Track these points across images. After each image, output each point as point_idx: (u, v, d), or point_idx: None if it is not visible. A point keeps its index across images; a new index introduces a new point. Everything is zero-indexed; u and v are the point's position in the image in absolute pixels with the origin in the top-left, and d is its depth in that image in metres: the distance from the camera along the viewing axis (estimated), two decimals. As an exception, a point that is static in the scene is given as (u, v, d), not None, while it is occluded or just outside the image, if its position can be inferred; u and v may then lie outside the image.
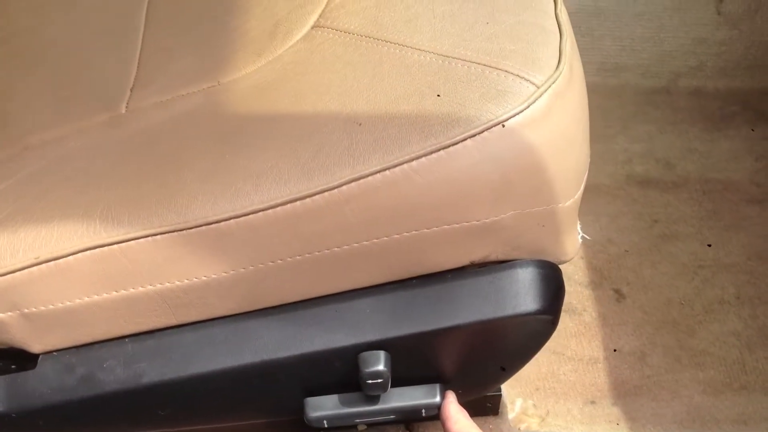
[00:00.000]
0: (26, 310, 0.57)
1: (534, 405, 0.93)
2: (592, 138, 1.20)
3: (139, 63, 0.68)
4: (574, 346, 0.98)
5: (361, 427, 0.86)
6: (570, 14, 1.25)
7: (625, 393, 0.93)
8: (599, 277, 1.04)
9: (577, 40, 1.26)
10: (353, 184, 0.53)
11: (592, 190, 1.13)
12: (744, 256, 1.06)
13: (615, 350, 0.97)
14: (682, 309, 1.01)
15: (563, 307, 0.99)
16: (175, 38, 0.69)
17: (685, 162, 1.17)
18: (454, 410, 0.63)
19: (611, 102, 1.27)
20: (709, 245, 1.07)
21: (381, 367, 0.59)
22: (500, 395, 0.86)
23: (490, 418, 0.90)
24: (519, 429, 0.90)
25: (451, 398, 0.64)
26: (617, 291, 1.03)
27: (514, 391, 0.93)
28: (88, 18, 0.73)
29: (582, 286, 1.03)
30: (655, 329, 0.99)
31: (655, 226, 1.09)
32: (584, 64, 1.26)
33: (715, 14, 1.25)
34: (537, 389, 0.93)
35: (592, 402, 0.93)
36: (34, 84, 0.69)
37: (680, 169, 1.16)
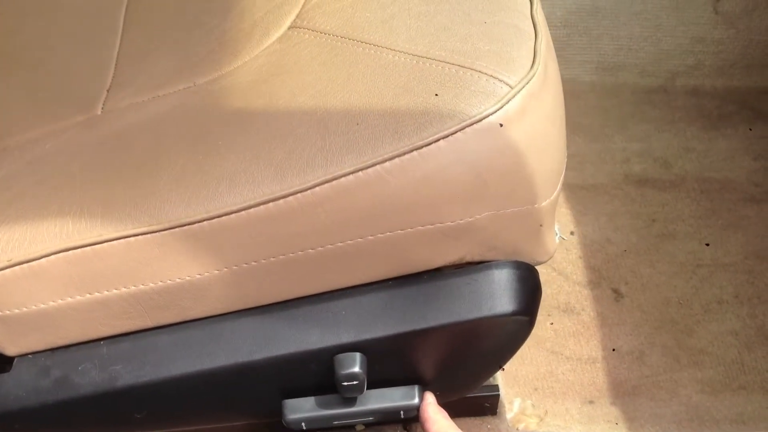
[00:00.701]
0: (0, 313, 0.57)
1: (532, 405, 0.92)
2: (589, 137, 1.20)
3: (116, 64, 0.68)
4: (573, 346, 0.97)
5: (359, 427, 0.86)
6: (568, 13, 1.25)
7: (623, 393, 0.93)
8: (597, 277, 1.04)
9: (574, 40, 1.27)
10: (326, 185, 0.53)
11: (589, 190, 1.13)
12: (742, 255, 1.05)
13: (613, 350, 0.97)
14: (680, 308, 1.00)
15: (561, 307, 0.99)
16: (153, 39, 0.69)
17: (682, 161, 1.17)
18: (432, 411, 0.63)
19: (609, 101, 1.26)
20: (707, 244, 1.06)
21: (356, 369, 0.58)
22: (498, 395, 0.86)
23: (488, 418, 0.90)
24: (517, 429, 0.90)
25: (430, 399, 0.64)
26: (615, 290, 1.03)
27: (512, 391, 0.93)
28: (67, 20, 0.73)
29: (580, 285, 1.03)
30: (653, 329, 0.98)
31: (653, 226, 1.09)
32: (582, 63, 1.27)
33: (713, 13, 1.25)
34: (535, 389, 0.93)
35: (591, 402, 0.92)
36: (11, 85, 0.69)
37: (678, 168, 1.16)
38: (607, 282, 1.03)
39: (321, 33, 0.62)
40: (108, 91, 0.66)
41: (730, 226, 1.08)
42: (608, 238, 1.08)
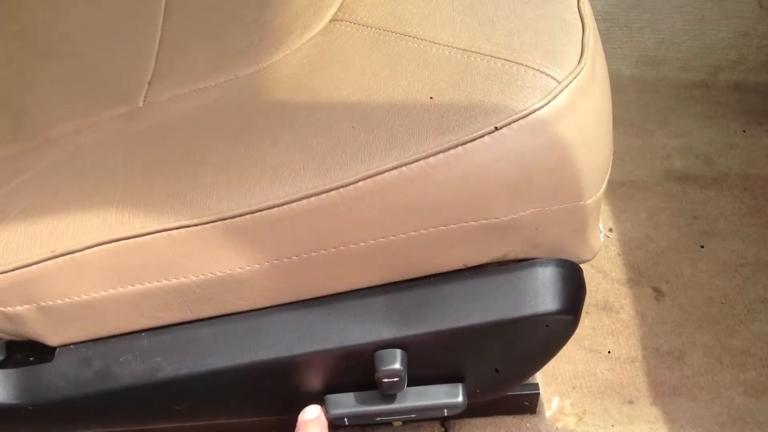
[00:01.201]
0: (43, 303, 0.57)
1: (571, 404, 0.91)
2: (630, 132, 1.18)
3: (157, 56, 0.68)
4: (612, 345, 0.96)
5: (396, 424, 0.85)
6: (609, 6, 1.23)
7: (663, 393, 0.91)
8: (637, 275, 1.02)
9: (615, 33, 1.25)
10: (369, 180, 0.53)
11: (629, 186, 1.11)
12: None
13: (654, 349, 0.95)
14: (722, 308, 0.99)
15: (599, 305, 0.98)
16: (193, 31, 0.69)
17: (725, 157, 1.14)
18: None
19: (649, 96, 1.24)
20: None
21: (397, 365, 0.58)
22: (538, 394, 0.85)
23: (527, 417, 0.90)
24: (556, 428, 0.89)
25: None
26: (656, 289, 1.01)
27: (550, 389, 0.92)
28: (106, 11, 0.74)
29: (619, 283, 1.02)
30: (694, 328, 0.97)
31: (694, 223, 1.07)
32: (622, 57, 1.25)
33: (757, 6, 1.22)
34: (574, 388, 0.92)
35: (630, 402, 0.91)
36: (51, 77, 0.69)
37: (720, 164, 1.14)
38: (647, 280, 1.02)
39: (363, 26, 0.62)
40: (149, 83, 0.66)
41: None
42: (648, 235, 1.06)
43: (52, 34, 0.73)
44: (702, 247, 1.04)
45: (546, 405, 0.90)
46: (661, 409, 0.90)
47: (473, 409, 0.67)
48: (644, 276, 1.02)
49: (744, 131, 1.17)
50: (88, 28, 0.73)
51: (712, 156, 1.15)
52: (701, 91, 1.23)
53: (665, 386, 0.92)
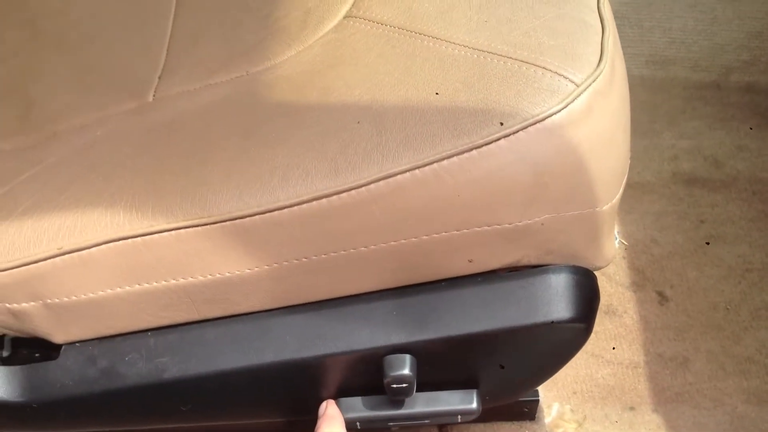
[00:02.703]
0: (49, 301, 0.57)
1: (571, 410, 0.91)
2: (637, 133, 1.17)
3: (168, 50, 0.67)
4: (614, 350, 0.95)
5: (394, 429, 0.85)
6: (619, 4, 1.22)
7: (665, 400, 0.91)
8: (641, 279, 1.01)
9: (625, 32, 1.23)
10: (382, 182, 0.52)
11: (636, 188, 1.10)
12: None
13: (657, 355, 0.94)
14: (727, 314, 0.98)
15: (603, 309, 0.97)
16: (204, 26, 0.68)
17: (734, 160, 1.13)
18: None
19: (658, 96, 1.23)
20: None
21: (406, 371, 0.57)
22: (537, 400, 0.84)
23: (527, 423, 0.89)
24: (556, 434, 0.89)
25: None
26: (660, 293, 1.00)
27: (550, 395, 0.91)
28: (117, 2, 0.72)
29: (623, 287, 1.01)
30: (698, 334, 0.96)
31: (701, 227, 1.06)
32: (632, 56, 1.24)
33: (771, 7, 1.21)
34: (574, 393, 0.91)
35: (632, 408, 0.91)
36: (60, 68, 0.68)
37: (729, 167, 1.13)
38: (651, 284, 1.01)
39: (378, 23, 0.61)
40: (159, 77, 0.65)
41: None
42: (654, 238, 1.05)
43: (61, 23, 0.72)
44: (707, 244, 1.03)
45: (546, 411, 0.90)
46: (663, 416, 0.89)
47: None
48: (649, 280, 1.01)
49: (751, 129, 1.16)
50: (98, 19, 0.72)
51: (720, 158, 1.14)
52: (712, 92, 1.22)
53: (667, 393, 0.91)
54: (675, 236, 1.05)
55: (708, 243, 1.04)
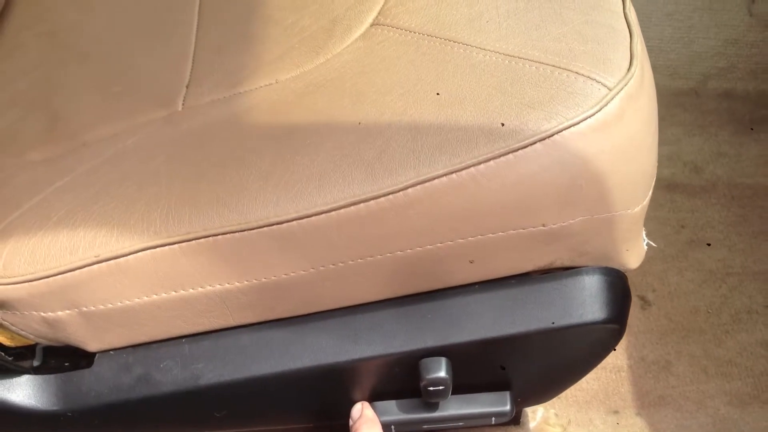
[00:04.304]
0: (84, 309, 0.57)
1: (555, 414, 0.91)
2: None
3: (193, 59, 0.67)
4: (597, 354, 0.96)
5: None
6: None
7: (649, 403, 0.92)
8: (624, 284, 1.02)
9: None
10: (419, 187, 0.52)
11: (615, 194, 1.11)
12: None
13: (639, 359, 0.95)
14: (708, 317, 0.99)
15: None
16: (229, 35, 0.69)
17: (713, 166, 1.14)
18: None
19: (637, 104, 1.24)
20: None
21: (443, 374, 0.57)
22: None
23: (512, 428, 0.89)
24: (541, 439, 0.89)
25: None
26: (642, 298, 1.01)
27: (535, 400, 0.92)
28: (136, 12, 0.73)
29: (605, 292, 1.01)
30: (680, 338, 0.97)
31: (682, 232, 1.07)
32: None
33: (747, 15, 1.22)
34: (558, 397, 0.92)
35: (615, 412, 0.91)
36: (83, 79, 0.68)
37: (708, 173, 1.14)
38: (633, 289, 1.00)
39: (406, 30, 0.61)
40: (187, 86, 0.65)
41: (762, 233, 1.06)
42: (634, 244, 1.06)
43: (81, 35, 0.72)
44: (708, 245, 1.04)
45: (530, 415, 0.90)
46: (646, 419, 0.90)
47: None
48: (631, 284, 1.02)
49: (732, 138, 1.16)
50: (117, 31, 0.72)
51: (700, 164, 1.14)
52: (690, 99, 1.23)
53: (650, 396, 0.92)
54: (656, 241, 1.05)
55: (709, 244, 1.05)
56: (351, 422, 0.62)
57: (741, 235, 1.06)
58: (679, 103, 1.23)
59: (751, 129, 1.18)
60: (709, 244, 1.05)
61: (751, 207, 1.09)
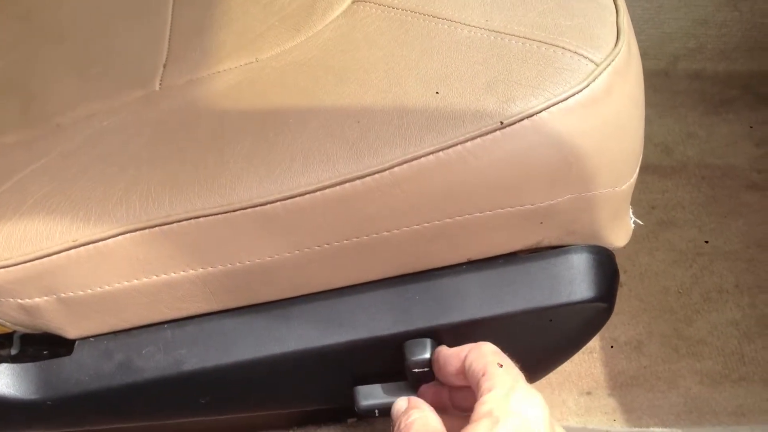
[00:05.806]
0: (63, 295, 0.55)
1: (529, 395, 0.91)
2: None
3: (170, 39, 0.65)
4: (569, 336, 0.96)
5: (350, 421, 0.84)
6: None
7: (621, 384, 0.92)
8: (594, 265, 1.02)
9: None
10: (405, 165, 0.51)
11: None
12: (743, 243, 1.03)
13: (611, 340, 0.95)
14: (679, 298, 0.99)
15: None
16: (205, 13, 0.67)
17: (684, 147, 1.14)
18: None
19: (607, 85, 1.24)
20: (707, 241, 1.04)
21: (427, 355, 0.57)
22: None
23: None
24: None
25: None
26: (613, 279, 1.01)
27: (507, 382, 0.92)
28: (108, -5, 0.71)
29: (577, 273, 1.01)
30: (651, 318, 0.97)
31: (652, 213, 1.07)
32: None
33: (715, -6, 1.21)
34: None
35: (588, 393, 0.91)
36: (58, 60, 0.66)
37: (679, 154, 1.13)
38: None
39: (388, 7, 0.60)
40: (164, 66, 0.63)
41: (732, 213, 1.06)
42: (605, 225, 1.06)
43: (56, 16, 0.70)
44: (707, 245, 1.04)
45: None
46: (619, 399, 0.90)
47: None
48: None
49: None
50: (92, 11, 0.71)
51: (670, 145, 1.14)
52: (660, 80, 1.22)
53: (623, 376, 0.92)
54: (626, 222, 1.07)
55: (708, 249, 1.05)
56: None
57: (711, 215, 1.06)
58: (649, 84, 1.21)
59: (721, 109, 1.18)
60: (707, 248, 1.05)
61: (720, 187, 1.09)
